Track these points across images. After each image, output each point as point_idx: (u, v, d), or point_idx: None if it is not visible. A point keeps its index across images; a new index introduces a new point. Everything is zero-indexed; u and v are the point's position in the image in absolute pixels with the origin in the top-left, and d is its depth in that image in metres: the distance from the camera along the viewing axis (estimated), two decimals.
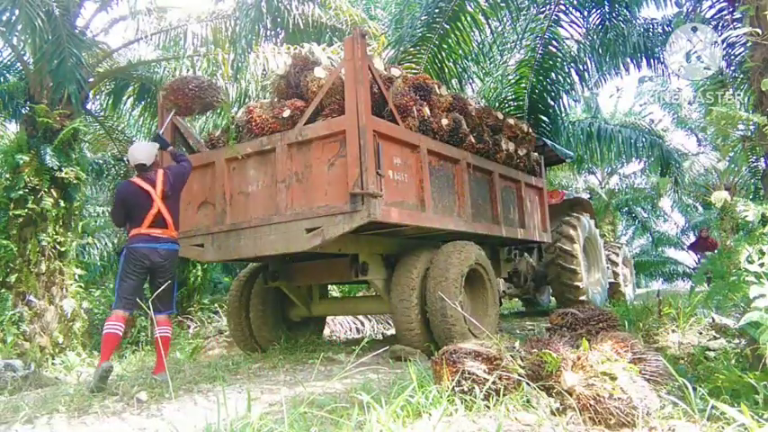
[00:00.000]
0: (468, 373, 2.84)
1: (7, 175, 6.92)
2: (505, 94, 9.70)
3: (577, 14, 8.28)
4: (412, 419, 2.30)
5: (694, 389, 2.54)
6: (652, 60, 8.75)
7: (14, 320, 6.42)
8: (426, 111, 5.17)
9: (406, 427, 2.22)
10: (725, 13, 4.77)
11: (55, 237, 6.85)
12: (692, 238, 20.69)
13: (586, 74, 9.23)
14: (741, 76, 4.25)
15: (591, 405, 2.56)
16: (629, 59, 8.86)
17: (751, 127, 3.53)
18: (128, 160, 4.58)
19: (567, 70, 8.93)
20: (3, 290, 6.62)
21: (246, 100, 8.52)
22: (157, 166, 4.55)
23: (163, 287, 4.12)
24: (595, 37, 8.42)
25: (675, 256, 22.19)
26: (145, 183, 4.33)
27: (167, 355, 4.36)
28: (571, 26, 8.45)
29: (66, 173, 6.90)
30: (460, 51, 8.33)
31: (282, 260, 5.73)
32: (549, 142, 8.25)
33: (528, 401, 2.74)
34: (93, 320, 8.45)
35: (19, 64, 7.78)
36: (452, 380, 2.81)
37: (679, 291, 14.61)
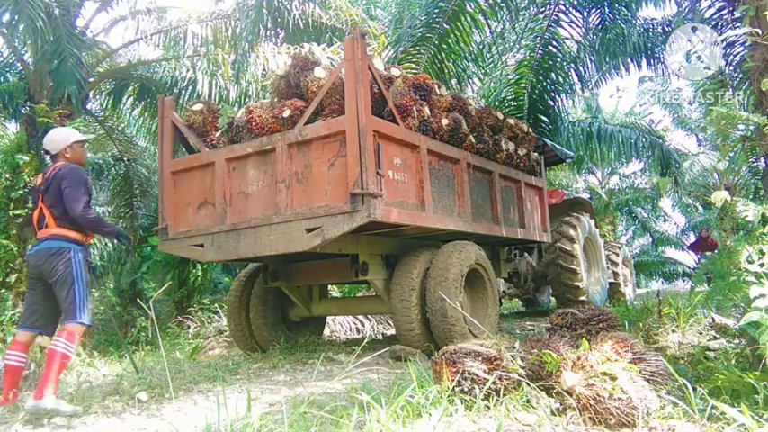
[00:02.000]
0: (468, 373, 2.84)
1: (7, 175, 6.93)
2: (505, 95, 9.70)
3: (577, 14, 8.28)
4: (412, 419, 2.30)
5: (694, 389, 2.54)
6: (652, 60, 8.76)
7: (14, 320, 6.42)
8: (426, 111, 5.17)
9: (406, 427, 2.22)
10: (724, 12, 4.77)
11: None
12: (693, 238, 20.71)
13: (586, 74, 9.24)
14: (741, 76, 4.25)
15: (591, 405, 2.56)
16: (629, 59, 8.87)
17: (751, 127, 3.53)
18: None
19: (566, 70, 8.93)
20: (3, 290, 6.62)
21: (246, 100, 8.53)
22: (64, 159, 3.94)
23: (60, 293, 3.66)
24: (595, 37, 8.42)
25: (675, 256, 22.22)
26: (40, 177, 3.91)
27: (50, 377, 3.37)
28: (571, 26, 8.45)
29: None
30: (460, 51, 8.33)
31: (282, 260, 5.73)
32: (549, 142, 8.24)
33: (528, 401, 2.74)
34: (92, 320, 8.46)
35: (19, 64, 7.79)
36: (452, 380, 2.81)
37: (679, 291, 14.61)
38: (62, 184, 3.76)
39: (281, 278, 5.83)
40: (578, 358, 2.81)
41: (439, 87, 5.56)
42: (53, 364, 3.42)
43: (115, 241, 3.91)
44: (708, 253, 12.26)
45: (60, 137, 3.96)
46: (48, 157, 4.07)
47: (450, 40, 8.06)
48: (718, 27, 4.76)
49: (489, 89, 10.92)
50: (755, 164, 4.56)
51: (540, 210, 7.28)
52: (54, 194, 3.79)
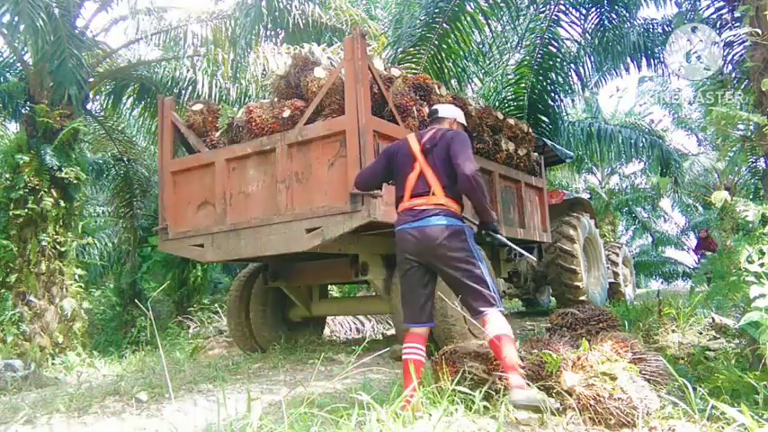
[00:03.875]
0: (468, 373, 2.84)
1: (7, 175, 6.93)
2: (505, 95, 9.70)
3: (577, 14, 8.27)
4: (412, 419, 2.29)
5: (694, 389, 2.54)
6: (652, 60, 8.75)
7: (14, 320, 6.42)
8: (426, 111, 5.17)
9: (405, 426, 2.22)
10: (724, 12, 4.76)
11: (55, 237, 6.86)
12: (693, 238, 20.73)
13: (586, 74, 9.23)
14: (741, 76, 4.24)
15: (591, 405, 2.56)
16: (628, 59, 8.87)
17: (751, 127, 3.53)
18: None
19: (566, 70, 8.93)
20: (3, 290, 6.62)
21: (246, 100, 8.52)
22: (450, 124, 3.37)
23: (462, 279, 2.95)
24: (595, 37, 8.42)
25: (675, 256, 22.21)
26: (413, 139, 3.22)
27: (510, 362, 2.74)
28: (571, 26, 8.45)
29: (66, 173, 6.90)
30: (460, 51, 8.33)
31: (282, 260, 5.73)
32: (549, 142, 8.24)
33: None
34: (93, 320, 8.46)
35: (19, 64, 7.78)
36: (452, 380, 2.81)
37: (679, 291, 14.61)
38: (452, 145, 3.05)
39: (281, 278, 5.83)
40: (578, 358, 2.81)
41: (439, 87, 5.56)
42: (503, 347, 2.77)
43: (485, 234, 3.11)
44: (708, 253, 12.26)
45: (457, 112, 3.46)
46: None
47: (449, 40, 8.06)
48: (718, 27, 4.76)
49: (489, 89, 10.91)
50: (755, 164, 4.55)
51: (540, 210, 7.28)
52: (442, 155, 3.06)
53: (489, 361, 2.95)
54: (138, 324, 8.48)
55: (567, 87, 9.11)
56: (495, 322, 2.83)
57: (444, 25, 7.91)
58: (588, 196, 13.96)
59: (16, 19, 6.42)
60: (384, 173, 3.36)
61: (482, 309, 2.90)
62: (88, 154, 9.81)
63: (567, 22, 8.39)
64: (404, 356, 2.93)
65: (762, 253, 2.65)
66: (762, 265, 2.59)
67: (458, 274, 2.93)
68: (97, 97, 9.56)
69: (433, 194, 3.01)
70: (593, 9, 8.11)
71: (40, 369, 5.73)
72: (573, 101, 12.13)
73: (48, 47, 6.62)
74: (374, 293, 6.45)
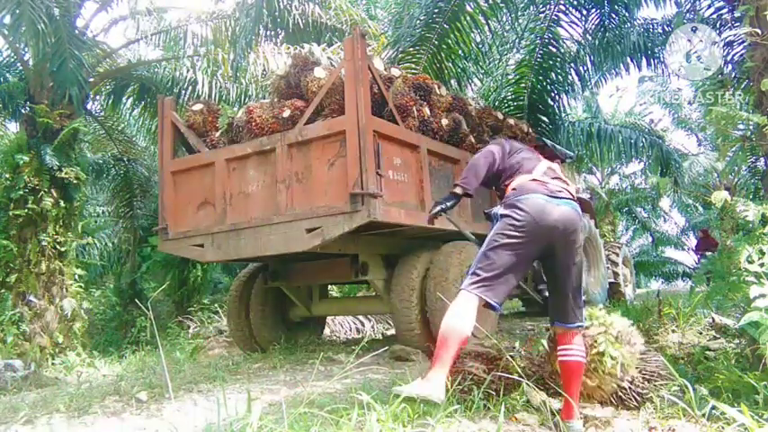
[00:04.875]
0: (468, 373, 2.85)
1: (7, 175, 6.92)
2: (505, 94, 9.69)
3: (577, 14, 8.27)
4: (412, 419, 2.30)
5: (694, 389, 2.54)
6: (652, 60, 8.74)
7: (14, 320, 6.41)
8: (426, 111, 5.17)
9: (405, 427, 2.22)
10: (724, 12, 4.77)
11: (55, 237, 6.85)
12: (693, 238, 20.72)
13: (586, 74, 9.23)
14: (741, 76, 4.25)
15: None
16: (628, 59, 8.86)
17: (751, 127, 3.53)
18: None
19: (566, 70, 8.93)
20: (3, 290, 6.61)
21: (246, 100, 8.52)
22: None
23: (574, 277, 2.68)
24: (595, 37, 8.42)
25: (675, 256, 22.20)
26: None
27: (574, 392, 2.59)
28: (571, 26, 8.44)
29: (66, 173, 6.90)
30: (460, 51, 8.33)
31: (282, 260, 5.73)
32: (549, 142, 8.24)
33: (528, 401, 2.74)
34: (93, 320, 8.46)
35: (19, 64, 7.78)
36: (452, 380, 2.81)
37: (679, 291, 14.61)
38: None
39: (281, 278, 5.84)
40: None
41: (439, 87, 5.56)
42: (575, 378, 2.58)
43: None
44: (708, 253, 12.27)
45: None
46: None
47: (449, 40, 8.06)
48: (718, 27, 4.76)
49: (489, 89, 10.91)
50: (755, 164, 4.55)
51: None
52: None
53: (489, 361, 2.95)
54: (138, 324, 8.47)
55: (566, 87, 9.10)
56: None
57: (444, 25, 7.90)
58: (588, 196, 13.97)
59: (17, 20, 6.41)
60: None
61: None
62: (88, 154, 9.81)
63: (567, 22, 8.38)
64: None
65: (762, 253, 2.65)
66: (762, 265, 2.59)
67: None
68: (97, 97, 9.55)
69: None
70: (594, 9, 8.11)
71: (40, 369, 5.73)
72: (574, 100, 12.12)
73: (48, 48, 6.62)
74: (374, 293, 6.46)
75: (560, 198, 2.60)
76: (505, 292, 2.52)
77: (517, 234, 2.49)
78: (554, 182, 2.70)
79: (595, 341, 2.75)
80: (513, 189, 2.68)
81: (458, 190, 2.85)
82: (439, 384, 2.23)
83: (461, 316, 2.38)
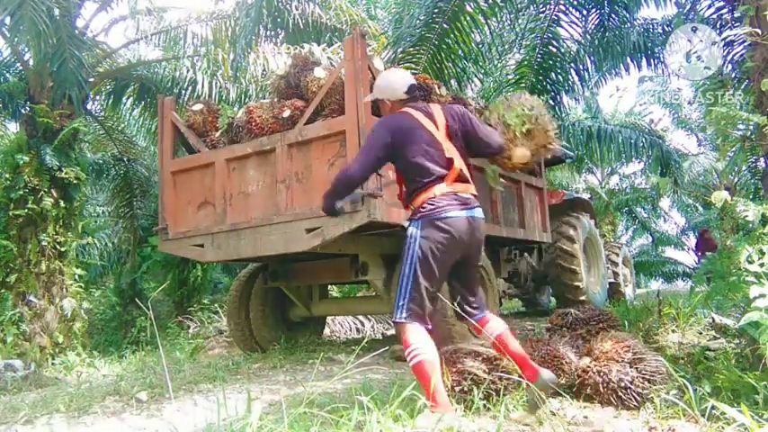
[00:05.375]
0: (468, 373, 2.85)
1: (7, 175, 6.92)
2: (505, 95, 9.70)
3: (577, 14, 8.27)
4: (412, 419, 2.29)
5: (694, 389, 2.54)
6: (652, 60, 8.75)
7: (14, 320, 6.41)
8: None
9: (405, 427, 2.22)
10: (724, 12, 4.76)
11: (55, 237, 6.85)
12: (693, 238, 20.71)
13: (586, 74, 9.23)
14: (741, 76, 4.24)
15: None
16: (628, 59, 8.87)
17: (751, 127, 3.53)
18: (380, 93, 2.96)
19: (566, 70, 8.93)
20: (3, 290, 6.61)
21: (246, 100, 8.52)
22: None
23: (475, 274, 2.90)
24: (595, 37, 8.42)
25: (675, 256, 22.20)
26: (422, 114, 2.80)
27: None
28: (571, 26, 8.44)
29: (66, 173, 6.90)
30: (460, 51, 8.33)
31: (282, 260, 5.73)
32: None
33: (528, 401, 2.74)
34: (93, 320, 8.46)
35: (19, 64, 7.78)
36: (453, 380, 2.81)
37: (679, 291, 14.61)
38: (473, 121, 2.85)
39: (281, 278, 5.83)
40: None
41: (439, 87, 5.56)
42: (511, 341, 2.75)
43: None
44: (708, 253, 12.28)
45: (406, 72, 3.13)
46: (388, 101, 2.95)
47: (449, 40, 8.06)
48: (718, 27, 4.76)
49: (489, 89, 10.91)
50: (755, 164, 4.55)
51: (540, 210, 7.28)
52: (462, 138, 2.82)
53: (489, 361, 2.95)
54: (138, 324, 8.47)
55: (566, 87, 9.11)
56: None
57: (444, 25, 7.90)
58: (588, 196, 13.97)
59: (19, 21, 6.41)
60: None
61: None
62: (88, 154, 9.82)
63: (567, 22, 8.38)
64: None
65: (762, 253, 2.65)
66: (762, 265, 2.59)
67: None
68: (97, 97, 9.56)
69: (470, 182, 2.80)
70: (594, 9, 8.11)
71: (40, 369, 5.73)
72: (574, 100, 12.13)
73: (49, 48, 6.62)
74: (374, 293, 6.46)
75: (473, 207, 2.69)
76: (435, 306, 2.69)
77: (442, 256, 2.60)
78: (461, 186, 2.70)
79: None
80: (428, 203, 2.65)
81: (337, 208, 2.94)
82: (445, 404, 2.36)
83: (420, 349, 2.47)
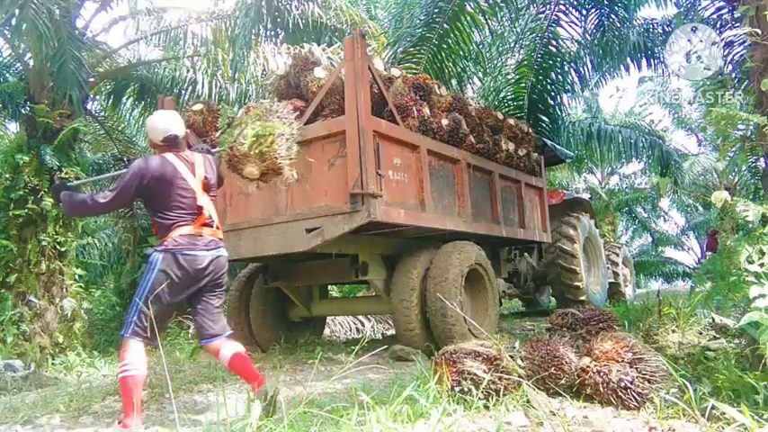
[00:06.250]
0: (468, 373, 2.85)
1: (7, 175, 6.92)
2: (505, 94, 9.70)
3: (577, 14, 8.28)
4: (412, 419, 2.30)
5: (694, 389, 2.54)
6: (652, 60, 8.76)
7: (14, 320, 6.41)
8: (426, 111, 5.17)
9: (405, 427, 2.22)
10: (724, 12, 4.77)
11: (55, 237, 6.85)
12: (693, 238, 20.73)
13: (586, 74, 9.24)
14: (741, 76, 4.25)
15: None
16: (628, 59, 8.87)
17: (751, 127, 3.53)
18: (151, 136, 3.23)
19: (566, 70, 8.94)
20: (3, 290, 6.61)
21: (246, 100, 8.52)
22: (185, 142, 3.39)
23: (216, 303, 3.23)
24: (595, 37, 8.42)
25: (675, 255, 22.22)
26: (182, 163, 3.11)
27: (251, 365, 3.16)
28: (570, 26, 8.46)
29: (66, 173, 6.89)
30: (460, 51, 8.33)
31: (282, 260, 5.73)
32: (549, 142, 8.25)
33: (528, 401, 2.74)
34: (93, 320, 8.44)
35: (19, 64, 7.78)
36: (452, 380, 2.81)
37: (679, 291, 14.61)
38: (219, 171, 3.29)
39: (281, 278, 5.83)
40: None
41: (439, 87, 5.56)
42: (246, 362, 3.15)
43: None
44: (708, 253, 12.29)
45: (179, 117, 3.33)
46: (152, 143, 3.28)
47: (449, 40, 8.06)
48: (718, 27, 4.76)
49: (489, 89, 10.91)
50: (755, 164, 4.55)
51: (540, 210, 7.28)
52: (215, 188, 3.28)
53: (489, 361, 2.95)
54: None
55: (567, 87, 9.11)
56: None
57: (444, 25, 7.91)
58: (588, 196, 13.96)
59: (20, 22, 6.41)
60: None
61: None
62: (88, 154, 9.80)
63: (566, 22, 8.40)
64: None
65: (762, 253, 2.65)
66: (762, 265, 2.59)
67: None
68: (97, 97, 9.55)
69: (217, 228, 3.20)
70: (593, 9, 8.12)
71: (39, 369, 5.73)
72: (574, 100, 12.13)
73: (50, 50, 6.62)
74: (374, 293, 6.46)
75: (215, 249, 3.11)
76: (162, 327, 3.25)
77: (175, 287, 3.00)
78: (207, 230, 3.09)
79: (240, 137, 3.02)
80: (174, 240, 3.01)
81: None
82: (134, 426, 2.72)
83: (132, 365, 2.85)
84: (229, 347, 3.09)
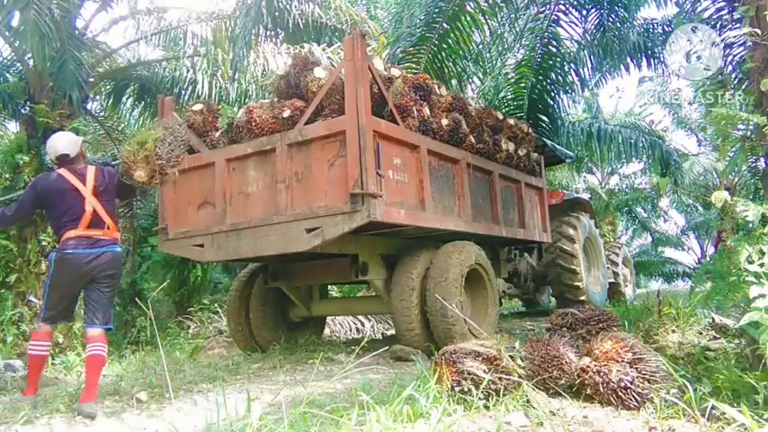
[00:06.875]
0: (468, 373, 2.85)
1: (7, 175, 6.92)
2: (505, 94, 9.70)
3: (577, 14, 8.27)
4: (412, 419, 2.30)
5: (694, 389, 2.54)
6: (652, 60, 8.75)
7: (14, 320, 6.41)
8: (426, 111, 5.17)
9: (405, 427, 2.22)
10: (724, 12, 4.76)
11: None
12: (693, 238, 20.74)
13: (586, 74, 9.23)
14: (741, 76, 4.25)
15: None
16: (629, 59, 8.86)
17: (751, 127, 3.53)
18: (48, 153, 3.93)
19: (566, 70, 8.93)
20: (3, 290, 6.61)
21: (246, 100, 8.52)
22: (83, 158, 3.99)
23: (108, 295, 3.73)
24: (595, 37, 8.42)
25: (675, 256, 22.22)
26: (73, 176, 3.71)
27: (97, 380, 3.60)
28: (570, 26, 8.44)
29: None
30: (460, 51, 8.33)
31: (282, 260, 5.73)
32: (549, 142, 8.24)
33: (528, 401, 2.74)
34: None
35: (19, 64, 7.78)
36: (452, 380, 2.81)
37: (679, 291, 14.61)
38: (115, 182, 3.82)
39: (281, 278, 5.83)
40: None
41: (439, 87, 5.56)
42: (100, 368, 3.69)
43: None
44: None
45: (73, 138, 3.93)
46: (50, 160, 3.97)
47: (450, 40, 8.05)
48: (718, 27, 4.76)
49: (489, 89, 10.91)
50: (755, 164, 4.56)
51: (540, 210, 7.28)
52: (110, 194, 3.82)
53: (489, 361, 2.95)
54: (138, 324, 8.46)
55: (566, 87, 9.10)
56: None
57: (444, 25, 7.90)
58: (588, 196, 13.98)
59: (22, 24, 6.41)
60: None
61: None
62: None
63: (566, 22, 8.38)
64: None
65: (762, 253, 2.65)
66: (762, 265, 2.59)
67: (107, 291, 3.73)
68: (97, 97, 9.55)
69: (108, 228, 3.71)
70: (593, 9, 8.11)
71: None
72: (574, 101, 12.12)
73: (51, 51, 6.62)
74: (374, 293, 6.46)
75: (100, 247, 3.62)
76: (70, 312, 3.88)
77: (64, 280, 3.61)
78: (94, 231, 3.62)
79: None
80: (64, 242, 3.59)
81: None
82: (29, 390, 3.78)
83: (39, 346, 3.70)
84: (95, 346, 3.57)
